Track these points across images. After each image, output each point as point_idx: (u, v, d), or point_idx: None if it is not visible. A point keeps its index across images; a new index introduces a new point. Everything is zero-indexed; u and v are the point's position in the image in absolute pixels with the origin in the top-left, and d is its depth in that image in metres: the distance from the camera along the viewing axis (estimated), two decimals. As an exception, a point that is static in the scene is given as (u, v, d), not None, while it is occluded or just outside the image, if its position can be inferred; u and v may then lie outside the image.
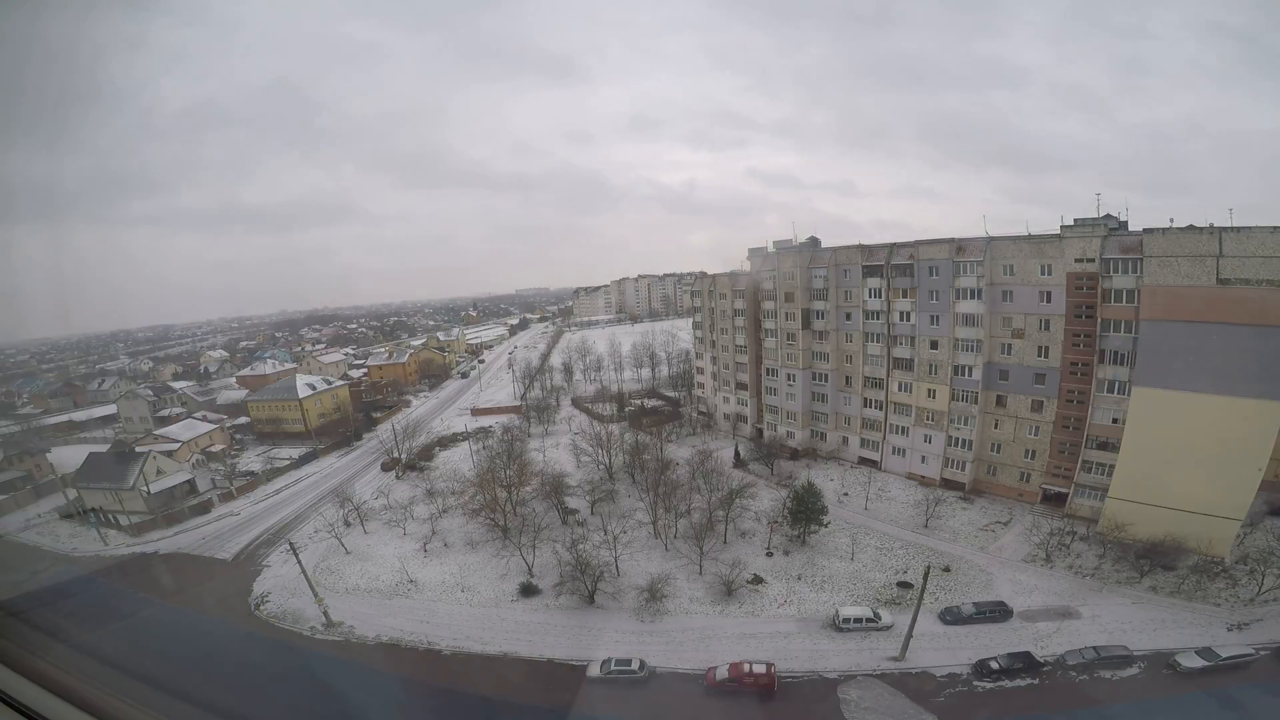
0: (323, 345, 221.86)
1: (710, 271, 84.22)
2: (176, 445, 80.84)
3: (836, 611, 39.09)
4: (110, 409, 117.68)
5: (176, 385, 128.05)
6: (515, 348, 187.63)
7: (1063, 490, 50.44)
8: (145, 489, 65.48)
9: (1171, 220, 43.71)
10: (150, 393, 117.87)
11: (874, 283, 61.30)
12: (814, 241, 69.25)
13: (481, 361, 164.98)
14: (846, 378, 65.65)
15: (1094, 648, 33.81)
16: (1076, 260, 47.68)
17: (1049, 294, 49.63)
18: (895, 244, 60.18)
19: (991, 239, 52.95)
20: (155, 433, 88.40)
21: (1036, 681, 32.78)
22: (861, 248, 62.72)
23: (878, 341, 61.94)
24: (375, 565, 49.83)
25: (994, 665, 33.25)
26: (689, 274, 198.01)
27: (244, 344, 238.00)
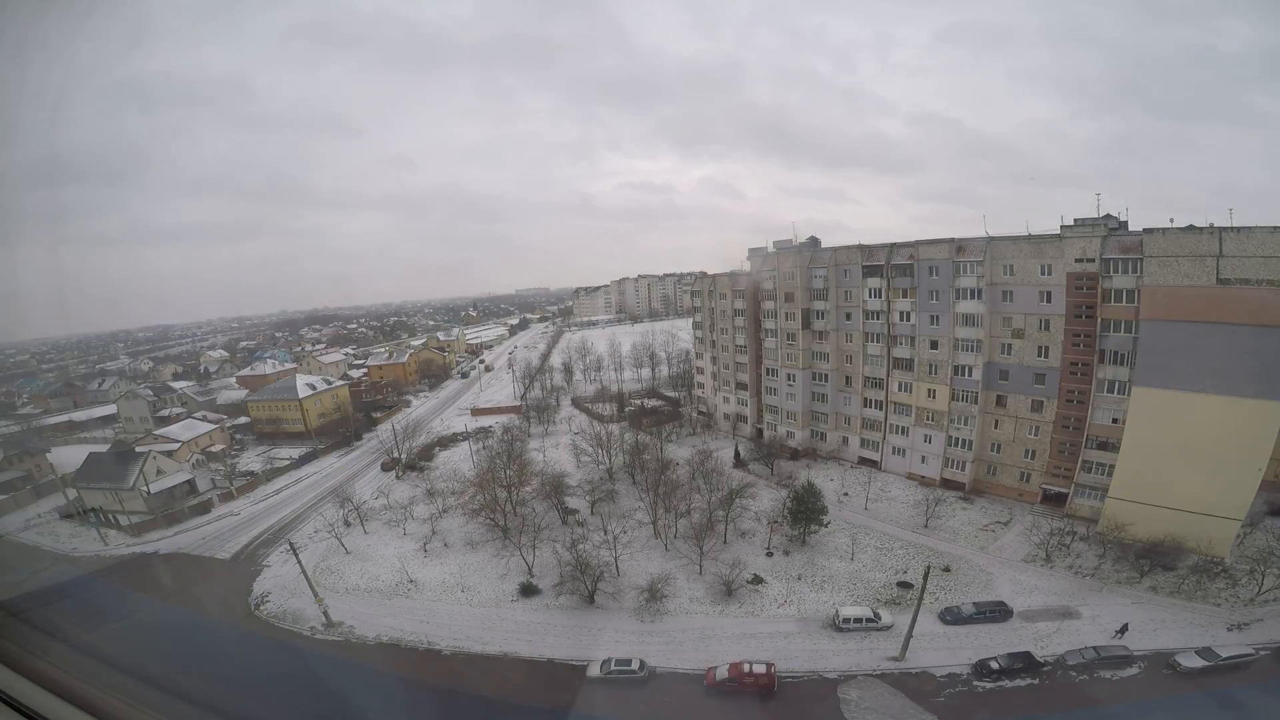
0: (323, 345, 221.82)
1: (710, 271, 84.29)
2: (176, 445, 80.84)
3: (836, 611, 39.08)
4: (110, 409, 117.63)
5: (176, 385, 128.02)
6: (515, 348, 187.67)
7: (1063, 490, 50.45)
8: (145, 489, 65.48)
9: (1171, 220, 43.78)
10: (150, 393, 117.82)
11: (874, 283, 61.31)
12: (814, 241, 69.31)
13: (482, 361, 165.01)
14: (846, 378, 65.66)
15: (1094, 648, 33.82)
16: (1076, 260, 47.69)
17: (1049, 294, 49.63)
18: (895, 244, 60.21)
19: (991, 239, 52.95)
20: (155, 433, 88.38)
21: (1036, 681, 32.78)
22: (861, 248, 62.73)
23: (878, 341, 61.95)
24: (375, 565, 49.83)
25: (994, 665, 33.25)
26: (689, 274, 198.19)
27: (244, 344, 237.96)
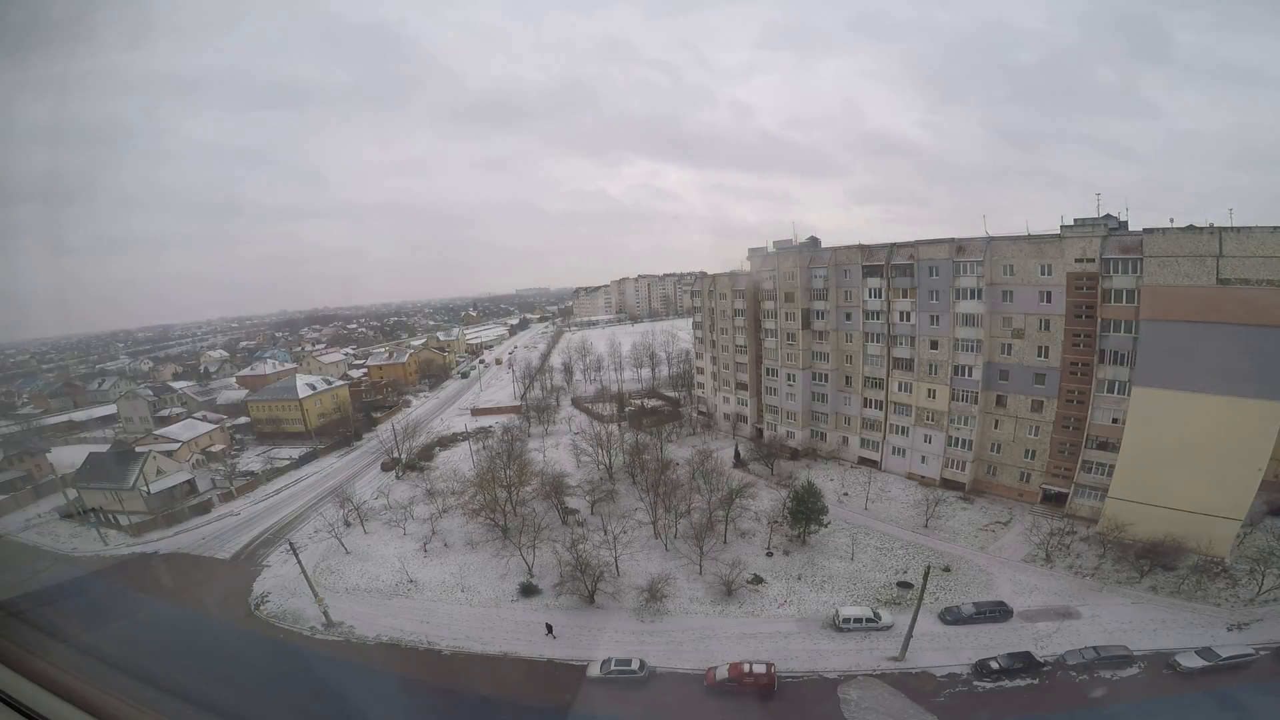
0: (323, 345, 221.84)
1: (711, 271, 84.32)
2: (176, 445, 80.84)
3: (836, 611, 39.08)
4: (110, 409, 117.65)
5: (176, 385, 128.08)
6: (515, 348, 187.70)
7: (1063, 490, 50.44)
8: (145, 489, 65.47)
9: (1171, 220, 43.80)
10: (150, 393, 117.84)
11: (874, 283, 61.30)
12: (814, 241, 69.30)
13: (482, 361, 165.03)
14: (846, 378, 65.65)
15: (1094, 648, 33.79)
16: (1076, 260, 47.68)
17: (1049, 294, 49.62)
18: (895, 244, 60.20)
19: (991, 239, 52.97)
20: (155, 433, 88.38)
21: (1036, 681, 32.76)
22: (861, 248, 62.74)
23: (878, 341, 61.94)
24: (375, 565, 49.83)
25: (994, 665, 33.24)
26: (689, 274, 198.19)
27: (244, 344, 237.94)
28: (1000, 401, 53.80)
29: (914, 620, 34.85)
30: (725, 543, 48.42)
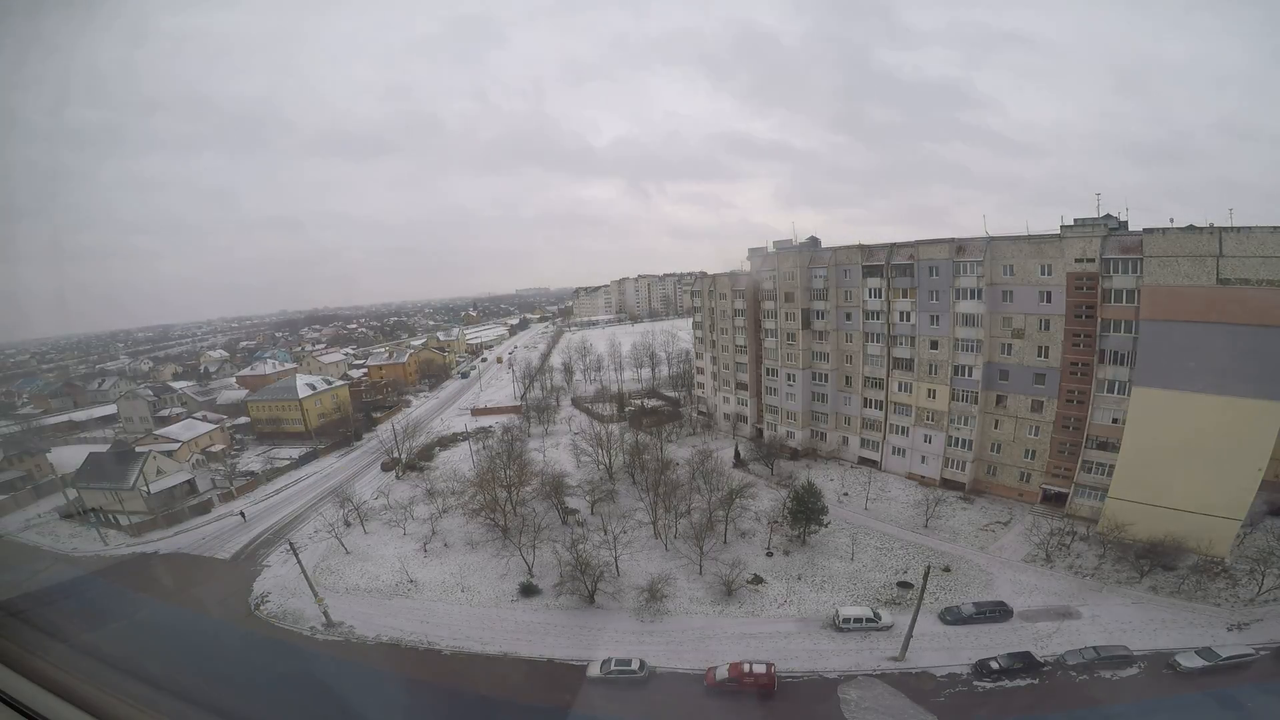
0: (323, 345, 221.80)
1: (710, 271, 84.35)
2: (176, 445, 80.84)
3: (836, 611, 39.08)
4: (110, 409, 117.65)
5: (176, 385, 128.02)
6: (515, 348, 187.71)
7: (1063, 490, 50.44)
8: (145, 489, 65.47)
9: (1171, 220, 43.80)
10: (150, 393, 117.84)
11: (874, 283, 61.30)
12: (814, 241, 69.31)
13: (483, 360, 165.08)
14: (846, 378, 65.65)
15: (1094, 648, 33.80)
16: (1076, 260, 47.68)
17: (1049, 294, 49.63)
18: (895, 244, 60.22)
19: (991, 239, 52.98)
20: (155, 433, 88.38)
21: (1036, 681, 32.76)
22: (861, 248, 62.74)
23: (878, 341, 61.94)
24: (375, 565, 49.83)
25: (994, 665, 33.24)
26: (689, 274, 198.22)
27: (244, 344, 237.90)
28: (1000, 401, 53.80)
29: (914, 620, 34.85)
30: (725, 543, 48.42)
